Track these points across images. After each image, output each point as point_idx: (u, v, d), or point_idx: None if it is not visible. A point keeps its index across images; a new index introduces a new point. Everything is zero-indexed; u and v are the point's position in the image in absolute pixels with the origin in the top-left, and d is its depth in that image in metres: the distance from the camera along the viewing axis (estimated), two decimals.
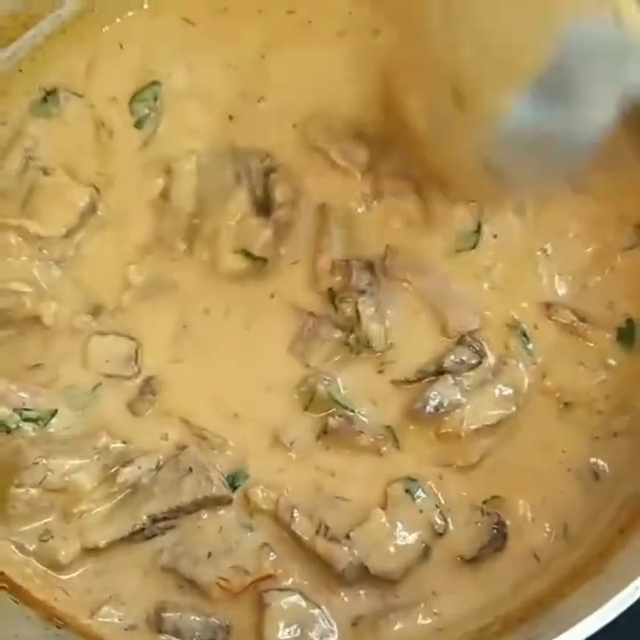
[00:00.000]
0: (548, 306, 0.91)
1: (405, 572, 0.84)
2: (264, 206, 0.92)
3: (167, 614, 0.83)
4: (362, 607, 0.85)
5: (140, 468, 0.85)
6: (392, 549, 0.84)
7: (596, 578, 0.79)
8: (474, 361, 0.89)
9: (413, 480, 0.86)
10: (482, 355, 0.89)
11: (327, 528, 0.84)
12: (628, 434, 0.89)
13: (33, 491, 0.84)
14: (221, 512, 0.86)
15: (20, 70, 0.99)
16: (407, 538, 0.85)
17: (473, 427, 0.87)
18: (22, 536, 0.85)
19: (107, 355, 0.90)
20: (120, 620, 0.84)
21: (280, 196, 0.92)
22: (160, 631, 0.83)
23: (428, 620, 0.84)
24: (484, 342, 0.89)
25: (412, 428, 0.88)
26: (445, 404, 0.86)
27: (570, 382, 0.89)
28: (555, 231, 0.92)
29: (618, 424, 0.89)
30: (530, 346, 0.90)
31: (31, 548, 0.85)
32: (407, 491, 0.86)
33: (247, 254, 0.91)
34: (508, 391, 0.88)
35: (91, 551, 0.84)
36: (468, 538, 0.85)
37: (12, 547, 0.85)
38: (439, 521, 0.85)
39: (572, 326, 0.90)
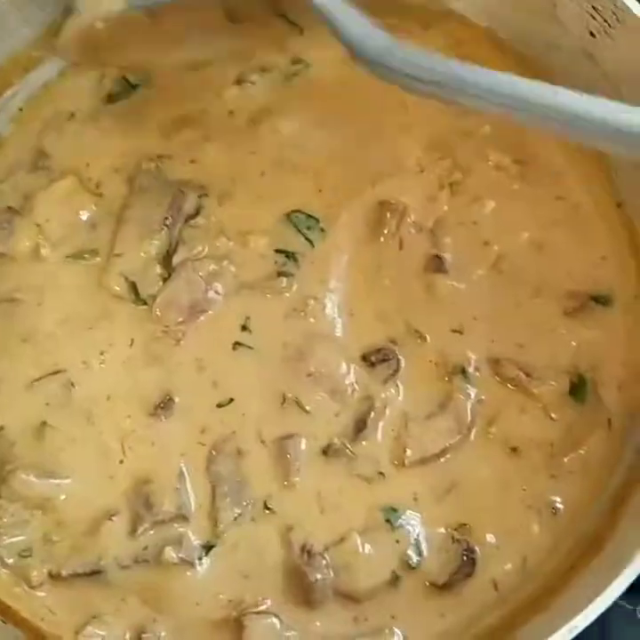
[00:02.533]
0: (495, 361, 0.94)
1: (371, 595, 0.88)
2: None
3: (147, 635, 0.87)
4: (334, 630, 0.88)
5: None
6: (361, 573, 0.87)
7: (542, 614, 0.82)
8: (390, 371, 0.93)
9: (394, 510, 0.89)
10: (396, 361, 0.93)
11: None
12: (582, 471, 0.92)
13: (15, 504, 0.89)
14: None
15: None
16: (378, 564, 0.88)
17: (417, 456, 0.91)
18: (3, 548, 0.89)
19: None
20: (103, 639, 0.87)
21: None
22: None
23: None
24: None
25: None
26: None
27: (514, 429, 0.92)
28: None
29: (572, 462, 0.92)
30: (472, 388, 0.93)
31: (9, 562, 0.89)
32: (387, 520, 0.89)
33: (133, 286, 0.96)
34: (452, 423, 0.92)
35: (56, 577, 0.88)
36: (439, 564, 0.88)
37: None
38: (414, 555, 0.88)
39: (517, 379, 0.93)
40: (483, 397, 0.93)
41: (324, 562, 0.87)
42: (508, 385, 0.93)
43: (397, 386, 0.93)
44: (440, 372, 0.94)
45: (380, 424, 0.92)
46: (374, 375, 0.93)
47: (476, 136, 1.00)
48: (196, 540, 0.89)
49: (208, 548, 0.89)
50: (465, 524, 0.89)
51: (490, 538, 0.89)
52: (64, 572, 0.88)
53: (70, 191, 1.01)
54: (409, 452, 0.91)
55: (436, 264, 0.96)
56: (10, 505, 0.90)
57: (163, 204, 0.98)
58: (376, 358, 0.93)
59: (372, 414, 0.91)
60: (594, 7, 0.90)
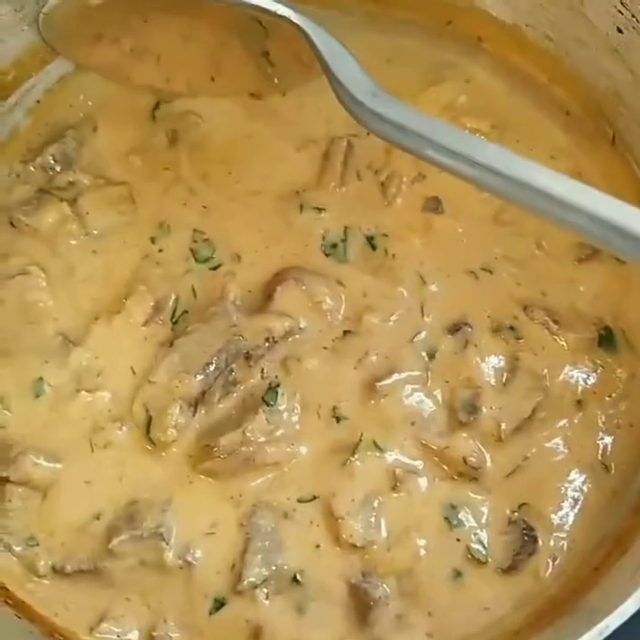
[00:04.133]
0: (525, 307, 0.94)
1: (429, 595, 0.86)
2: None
3: (157, 633, 0.85)
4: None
5: None
6: (422, 575, 0.86)
7: (567, 616, 0.81)
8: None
9: (454, 507, 0.88)
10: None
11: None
12: (626, 426, 0.92)
13: (21, 487, 0.88)
14: None
15: None
16: (438, 565, 0.86)
17: (512, 425, 0.89)
18: (11, 536, 0.88)
19: None
20: (118, 636, 0.86)
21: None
22: None
23: None
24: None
25: (460, 443, 0.89)
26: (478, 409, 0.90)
27: (571, 381, 0.92)
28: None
29: (620, 416, 0.92)
30: (522, 339, 0.93)
31: (17, 550, 0.88)
32: (446, 518, 0.87)
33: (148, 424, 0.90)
34: (530, 382, 0.91)
35: (59, 572, 0.87)
36: (502, 549, 0.87)
37: (0, 545, 0.88)
38: (481, 549, 0.87)
39: (547, 326, 0.93)
40: (537, 348, 0.92)
41: (383, 586, 0.85)
42: (547, 331, 0.93)
43: (477, 357, 0.92)
44: (496, 329, 0.93)
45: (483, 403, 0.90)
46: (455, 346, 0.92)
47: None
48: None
49: (221, 604, 0.86)
50: (525, 503, 0.88)
51: (549, 513, 0.88)
52: (68, 568, 0.87)
53: None
54: (503, 424, 0.89)
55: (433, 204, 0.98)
56: (18, 487, 0.88)
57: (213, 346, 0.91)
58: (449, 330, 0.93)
59: (480, 395, 0.90)
60: (622, 2, 0.89)
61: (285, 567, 0.86)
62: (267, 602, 0.85)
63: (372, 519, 0.87)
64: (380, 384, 0.90)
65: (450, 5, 1.04)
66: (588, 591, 0.82)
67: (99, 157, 1.03)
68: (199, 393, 0.90)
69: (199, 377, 0.90)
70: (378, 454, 0.88)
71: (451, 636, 0.85)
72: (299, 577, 0.86)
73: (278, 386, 0.91)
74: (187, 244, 0.98)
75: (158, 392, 0.91)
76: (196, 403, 0.90)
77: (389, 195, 0.99)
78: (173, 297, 0.95)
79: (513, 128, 1.01)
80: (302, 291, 0.93)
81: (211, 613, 0.85)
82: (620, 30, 0.91)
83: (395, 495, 0.88)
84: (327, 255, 0.97)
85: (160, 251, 0.98)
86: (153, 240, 0.98)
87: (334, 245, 0.97)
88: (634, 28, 0.90)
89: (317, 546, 0.87)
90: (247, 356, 0.91)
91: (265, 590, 0.85)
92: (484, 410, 0.90)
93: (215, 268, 0.97)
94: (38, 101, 1.06)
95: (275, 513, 0.87)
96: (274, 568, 0.86)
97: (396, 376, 0.90)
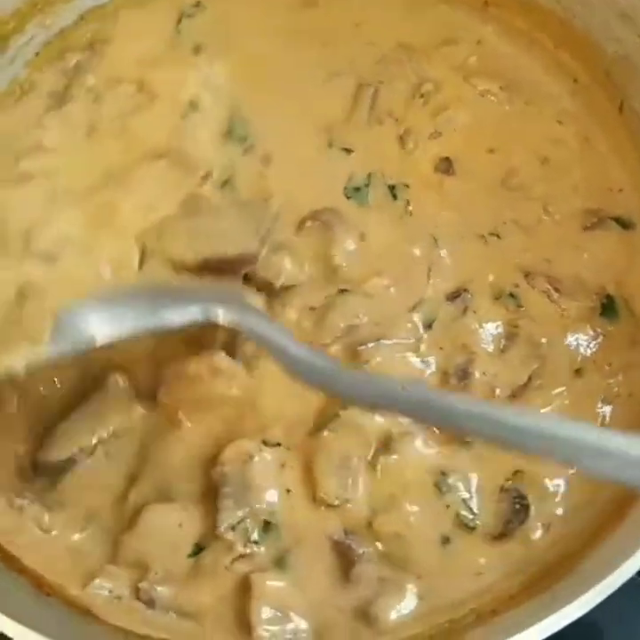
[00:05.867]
0: (526, 274, 0.93)
1: (417, 560, 0.85)
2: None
3: (142, 585, 0.84)
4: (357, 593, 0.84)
5: None
6: (410, 540, 0.85)
7: (565, 580, 0.80)
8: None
9: (444, 474, 0.87)
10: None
11: None
12: (625, 395, 0.91)
13: None
14: None
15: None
16: (427, 531, 0.85)
17: (507, 392, 0.89)
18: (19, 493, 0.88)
19: None
20: (110, 592, 0.85)
21: None
22: (138, 599, 0.85)
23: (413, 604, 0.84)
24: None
25: None
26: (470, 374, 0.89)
27: (570, 349, 0.91)
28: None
29: (619, 385, 0.91)
30: (522, 307, 0.92)
31: (23, 505, 0.87)
32: (435, 484, 0.86)
33: None
34: (528, 350, 0.90)
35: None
36: (492, 516, 0.86)
37: (4, 500, 0.87)
38: (469, 515, 0.86)
39: (549, 294, 0.92)
40: (537, 316, 0.92)
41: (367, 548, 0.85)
42: (548, 298, 0.92)
43: (475, 324, 0.91)
44: (497, 296, 0.92)
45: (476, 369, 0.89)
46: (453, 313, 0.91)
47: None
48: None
49: (200, 548, 0.85)
50: (520, 471, 0.87)
51: (544, 482, 0.87)
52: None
53: None
54: (498, 390, 0.89)
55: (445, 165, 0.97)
56: None
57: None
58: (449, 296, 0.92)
59: (474, 361, 0.89)
60: None
61: (258, 507, 0.85)
62: (247, 549, 0.84)
63: (357, 480, 0.86)
64: (361, 348, 0.89)
65: None
66: (586, 556, 0.81)
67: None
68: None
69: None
70: (370, 416, 0.87)
71: (441, 599, 0.84)
72: (271, 520, 0.85)
73: None
74: (223, 121, 0.99)
75: None
76: None
77: (407, 149, 0.98)
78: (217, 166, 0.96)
79: (522, 91, 1.01)
80: (326, 237, 0.93)
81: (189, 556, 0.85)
82: None
83: (386, 458, 0.86)
84: (348, 198, 0.96)
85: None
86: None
87: (357, 189, 0.96)
88: None
89: (288, 490, 0.86)
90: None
91: (243, 538, 0.84)
92: (477, 375, 0.89)
93: (246, 153, 0.97)
94: (37, 54, 1.05)
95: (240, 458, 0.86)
96: (248, 509, 0.84)
97: (384, 342, 0.89)
